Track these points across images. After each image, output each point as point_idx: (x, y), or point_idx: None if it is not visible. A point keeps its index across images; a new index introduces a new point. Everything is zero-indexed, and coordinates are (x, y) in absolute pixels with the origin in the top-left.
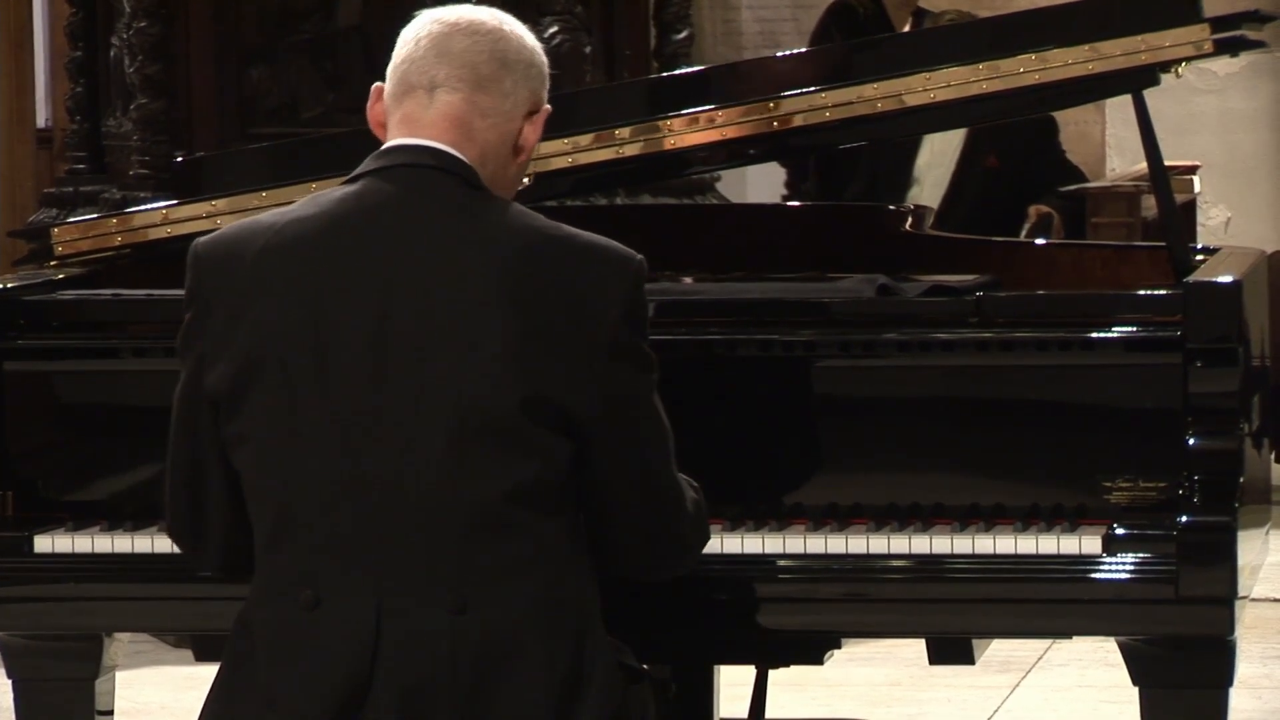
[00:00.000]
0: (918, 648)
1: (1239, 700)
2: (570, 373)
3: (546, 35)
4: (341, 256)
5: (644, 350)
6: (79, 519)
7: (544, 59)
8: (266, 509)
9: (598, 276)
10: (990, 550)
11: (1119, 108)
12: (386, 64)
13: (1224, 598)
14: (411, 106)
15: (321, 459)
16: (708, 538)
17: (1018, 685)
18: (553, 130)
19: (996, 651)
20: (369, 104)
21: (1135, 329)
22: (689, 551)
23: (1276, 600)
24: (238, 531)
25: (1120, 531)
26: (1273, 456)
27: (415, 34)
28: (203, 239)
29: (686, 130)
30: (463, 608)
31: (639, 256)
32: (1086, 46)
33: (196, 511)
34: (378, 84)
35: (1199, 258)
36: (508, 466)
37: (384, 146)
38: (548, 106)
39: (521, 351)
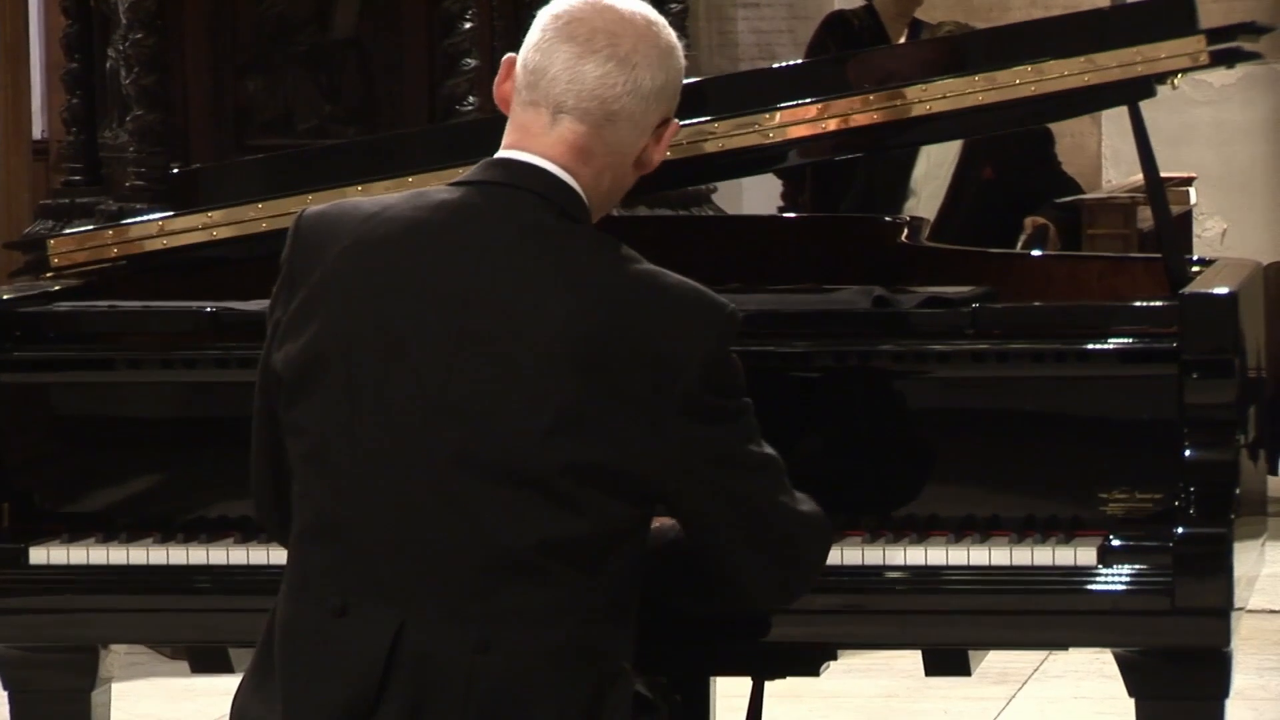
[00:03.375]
0: (914, 659)
1: (1235, 712)
2: (634, 435)
3: None
4: (424, 271)
5: (724, 405)
6: (74, 530)
7: (680, 65)
8: (307, 504)
9: (677, 331)
10: (986, 562)
11: (1115, 119)
12: (382, 75)
13: (1220, 609)
14: (533, 121)
15: (370, 474)
16: (827, 552)
17: (1014, 697)
18: None
19: (993, 663)
20: (499, 78)
21: (1131, 340)
22: (811, 574)
23: (1273, 612)
24: None
25: (1116, 543)
26: (1268, 468)
27: (552, 41)
28: (311, 209)
29: (681, 143)
30: (485, 647)
31: (729, 308)
32: (1082, 58)
33: (278, 485)
34: (510, 56)
35: (1195, 269)
36: (548, 519)
37: (496, 157)
38: (675, 122)
39: (583, 412)
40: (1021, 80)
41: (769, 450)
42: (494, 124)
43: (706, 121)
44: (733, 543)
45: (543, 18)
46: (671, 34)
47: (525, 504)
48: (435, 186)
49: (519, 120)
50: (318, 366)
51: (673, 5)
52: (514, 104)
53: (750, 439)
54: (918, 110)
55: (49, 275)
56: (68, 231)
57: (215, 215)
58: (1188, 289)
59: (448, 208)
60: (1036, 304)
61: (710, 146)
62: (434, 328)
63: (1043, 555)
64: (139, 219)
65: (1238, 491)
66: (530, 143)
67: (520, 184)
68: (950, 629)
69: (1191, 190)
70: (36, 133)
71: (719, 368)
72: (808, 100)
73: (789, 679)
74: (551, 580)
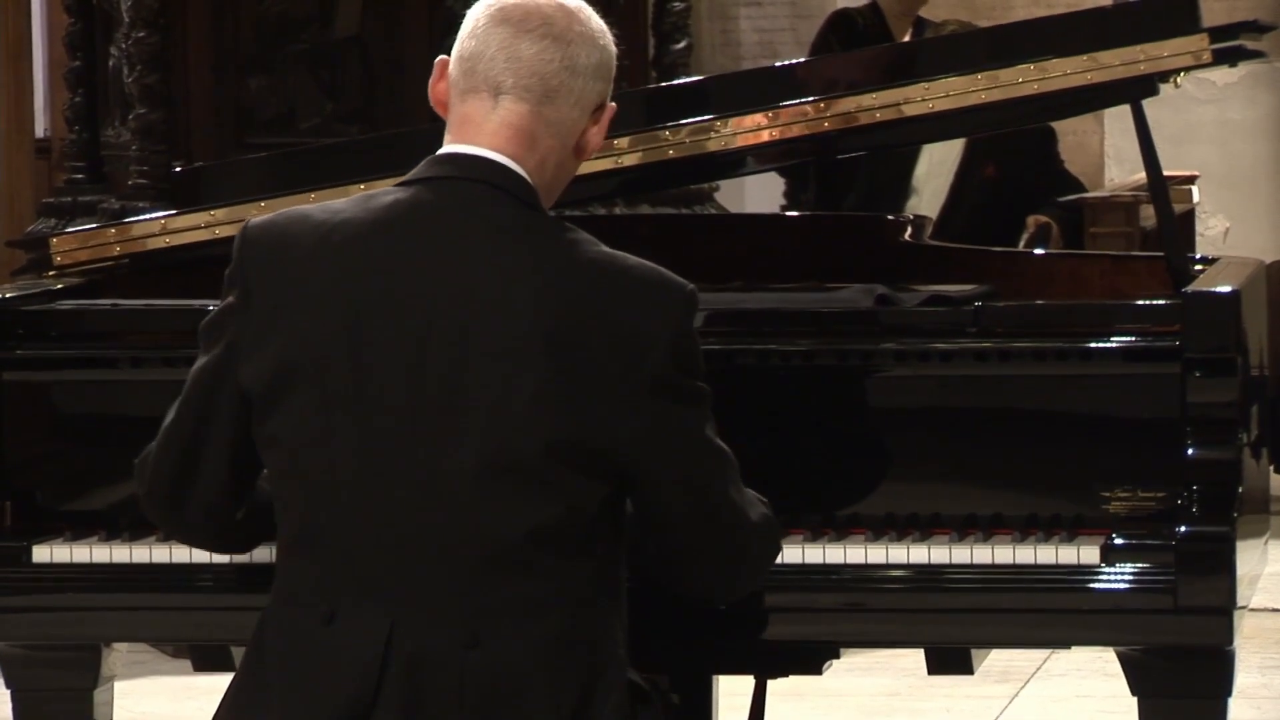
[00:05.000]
0: (916, 658)
1: (1238, 711)
2: (607, 413)
3: None
4: (387, 272)
5: (690, 386)
6: (77, 529)
7: (613, 50)
8: (291, 515)
9: (642, 310)
10: (989, 560)
11: (1117, 118)
12: (384, 73)
13: (1223, 608)
14: (474, 109)
15: (349, 477)
16: (777, 553)
17: (1016, 695)
18: None
19: (995, 661)
20: (432, 80)
21: (1134, 339)
22: (757, 569)
23: (1275, 610)
24: (223, 512)
25: (1119, 541)
26: (1271, 467)
27: (484, 25)
28: (256, 220)
29: (684, 141)
30: (474, 642)
31: (689, 287)
32: (1085, 56)
33: (183, 485)
34: (443, 58)
35: (1197, 268)
36: (531, 507)
37: (440, 153)
38: (613, 105)
39: (556, 393)
40: (1024, 79)
41: (725, 446)
42: None
43: (709, 120)
44: (685, 532)
45: (474, 11)
46: (601, 22)
47: (509, 492)
48: (383, 188)
49: (459, 114)
50: (287, 378)
51: (675, 4)
52: (452, 100)
53: (711, 427)
54: (920, 108)
55: (51, 274)
56: (70, 230)
57: (218, 214)
58: (1190, 287)
59: (401, 207)
60: (1039, 303)
61: (713, 145)
62: (402, 327)
63: (1045, 554)
64: (141, 217)
65: (1240, 490)
66: (473, 134)
67: (470, 176)
68: (953, 628)
69: (1194, 189)
70: (39, 131)
71: (684, 346)
72: (809, 99)
73: (791, 677)
74: (538, 571)
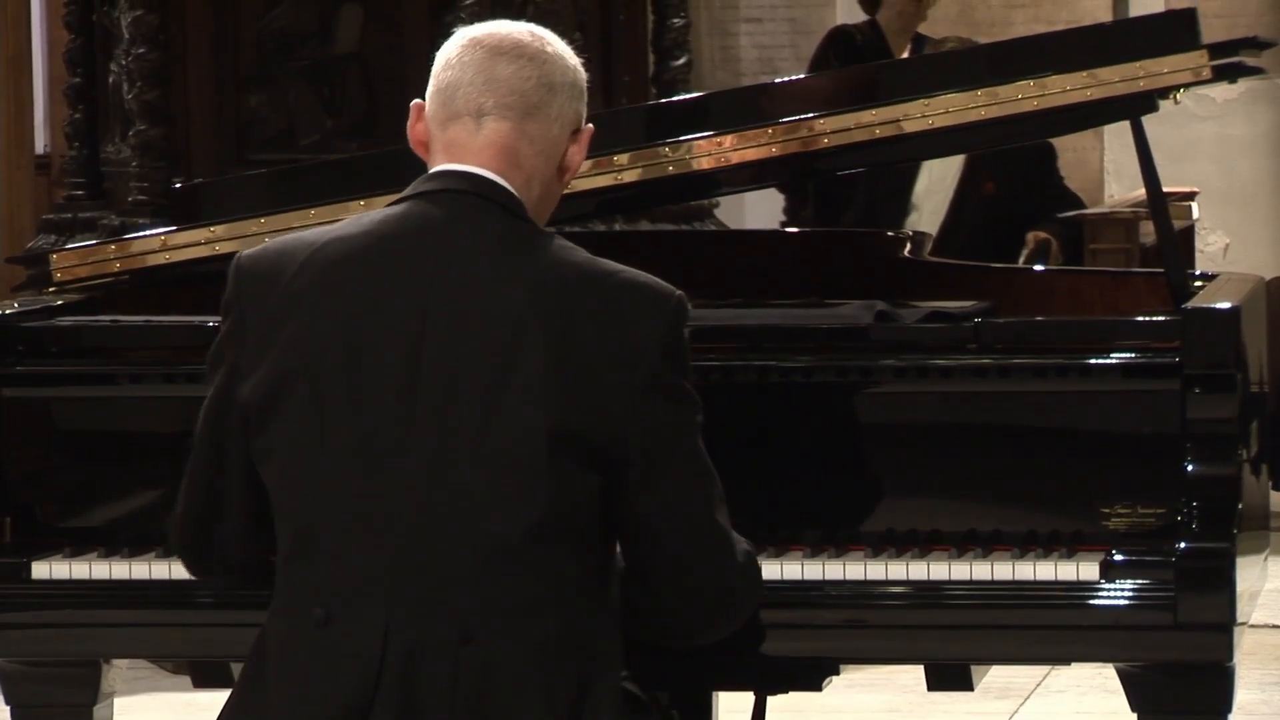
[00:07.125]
0: (916, 674)
1: None
2: (604, 409)
3: None
4: (379, 279)
5: (683, 388)
6: (76, 545)
7: (583, 74)
8: (288, 524)
9: (635, 313)
10: (988, 576)
11: (1117, 134)
12: (385, 89)
13: (1222, 624)
14: (457, 133)
15: (344, 481)
16: (760, 595)
17: (1016, 711)
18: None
19: (995, 678)
20: (410, 122)
21: (1133, 355)
22: (739, 607)
23: (1275, 627)
24: (249, 544)
25: (1118, 558)
26: (1271, 483)
27: (458, 56)
28: (248, 250)
29: (684, 157)
30: (469, 639)
31: (678, 293)
32: (1085, 73)
33: (208, 527)
34: (418, 101)
35: (1197, 284)
36: (525, 504)
37: (430, 171)
38: (590, 125)
39: (552, 388)
40: (1024, 95)
41: (713, 467)
42: None
43: (709, 136)
44: (662, 550)
45: (446, 48)
46: (568, 47)
47: (503, 490)
48: (378, 208)
49: (443, 142)
50: (282, 388)
51: (675, 20)
52: (433, 131)
53: (697, 436)
54: (920, 125)
55: (51, 290)
56: (70, 246)
57: (217, 230)
58: (1190, 304)
59: (393, 220)
60: (1039, 319)
61: (712, 161)
62: (395, 332)
63: (1045, 570)
64: (141, 234)
65: (1240, 506)
66: (459, 155)
67: (463, 189)
68: (952, 644)
69: (1194, 205)
70: (39, 147)
71: (675, 351)
72: (809, 115)
73: (791, 694)
74: (533, 569)
